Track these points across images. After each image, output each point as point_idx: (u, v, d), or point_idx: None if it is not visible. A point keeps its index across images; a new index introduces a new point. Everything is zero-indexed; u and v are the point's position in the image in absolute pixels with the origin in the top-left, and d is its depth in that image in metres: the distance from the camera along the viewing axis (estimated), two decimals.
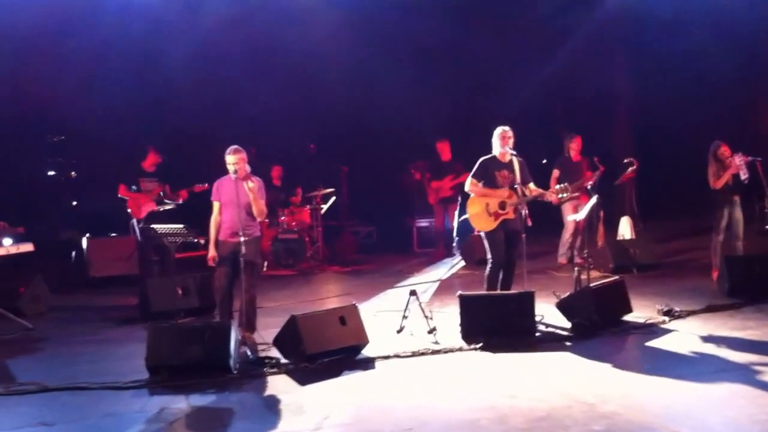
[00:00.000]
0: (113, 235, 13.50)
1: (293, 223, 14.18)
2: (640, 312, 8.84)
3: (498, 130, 9.12)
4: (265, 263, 13.12)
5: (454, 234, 14.76)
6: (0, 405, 6.71)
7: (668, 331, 8.26)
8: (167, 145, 12.50)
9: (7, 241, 9.86)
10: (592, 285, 8.62)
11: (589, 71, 16.81)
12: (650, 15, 15.75)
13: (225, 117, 15.47)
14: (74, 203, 15.65)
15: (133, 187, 11.91)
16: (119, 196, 11.91)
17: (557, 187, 9.26)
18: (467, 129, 13.15)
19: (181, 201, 11.70)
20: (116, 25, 14.27)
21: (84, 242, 13.27)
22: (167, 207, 11.71)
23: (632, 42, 16.85)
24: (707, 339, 7.87)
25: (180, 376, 7.04)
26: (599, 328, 8.18)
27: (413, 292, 8.62)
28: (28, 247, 10.09)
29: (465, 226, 13.72)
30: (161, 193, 11.80)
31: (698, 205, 11.95)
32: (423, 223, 15.88)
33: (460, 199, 14.22)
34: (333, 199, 15.06)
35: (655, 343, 7.86)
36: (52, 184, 15.92)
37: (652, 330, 8.29)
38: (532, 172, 9.27)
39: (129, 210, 11.85)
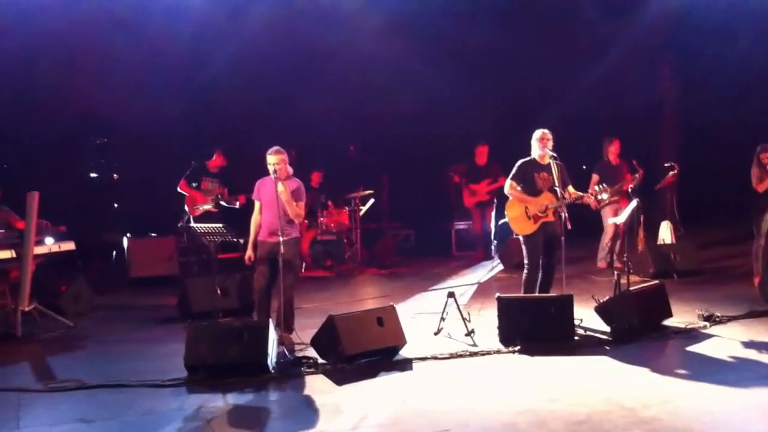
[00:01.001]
0: (153, 235, 13.63)
1: (332, 225, 14.22)
2: (681, 317, 8.74)
3: (537, 133, 9.08)
4: (304, 265, 13.17)
5: (493, 237, 14.69)
6: (41, 402, 6.80)
7: (709, 336, 8.15)
8: (211, 147, 12.63)
9: (49, 240, 9.98)
10: (632, 289, 8.54)
11: (634, 76, 16.69)
12: (696, 19, 15.57)
13: (268, 119, 15.54)
14: (116, 205, 15.81)
15: (194, 185, 12.14)
16: (179, 190, 12.12)
17: (596, 187, 9.18)
18: (510, 133, 13.06)
19: (238, 205, 11.86)
20: (162, 28, 14.41)
21: (125, 242, 13.42)
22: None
23: (678, 46, 16.68)
24: (749, 345, 7.76)
25: (218, 375, 7.07)
26: (639, 332, 8.09)
27: (451, 294, 8.60)
28: (69, 245, 10.20)
29: (504, 230, 13.68)
30: (219, 195, 12.00)
31: (741, 211, 11.77)
32: (462, 226, 15.83)
33: (496, 201, 14.18)
34: (372, 201, 15.07)
35: (695, 348, 7.76)
36: (95, 186, 16.09)
37: (693, 335, 8.18)
38: (571, 176, 9.22)
39: (186, 207, 12.05)
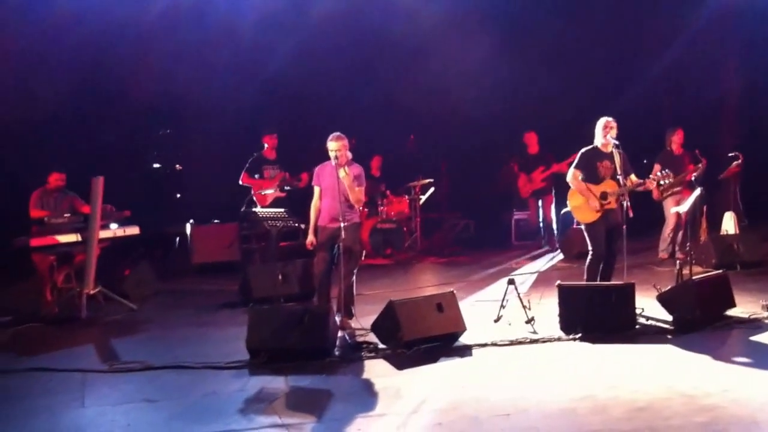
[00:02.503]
0: (216, 222, 13.83)
1: (392, 214, 14.27)
2: (744, 307, 8.56)
3: (602, 120, 9.02)
4: (363, 252, 13.24)
5: (554, 227, 14.58)
6: (106, 382, 6.97)
7: None
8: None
9: (114, 225, 10.18)
10: (695, 278, 8.43)
11: (698, 65, 16.38)
12: (763, 8, 15.23)
13: (329, 107, 15.63)
14: (178, 195, 16.03)
15: (256, 176, 12.36)
16: (241, 183, 12.33)
17: (658, 173, 9.09)
18: (572, 122, 12.93)
19: (302, 185, 12.02)
20: (224, 19, 14.58)
21: (188, 229, 13.63)
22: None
23: (742, 35, 16.32)
24: None
25: (279, 359, 7.16)
26: (701, 322, 7.95)
27: (511, 281, 8.57)
28: (134, 230, 10.40)
29: (565, 219, 13.59)
30: (282, 179, 12.19)
31: None
32: (521, 215, 15.74)
33: (554, 191, 14.10)
34: (432, 190, 15.08)
35: (759, 338, 7.60)
36: (158, 176, 16.33)
37: (757, 325, 8.00)
38: (633, 165, 9.14)
39: (254, 197, 12.24)
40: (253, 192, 12.38)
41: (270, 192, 12.24)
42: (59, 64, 13.75)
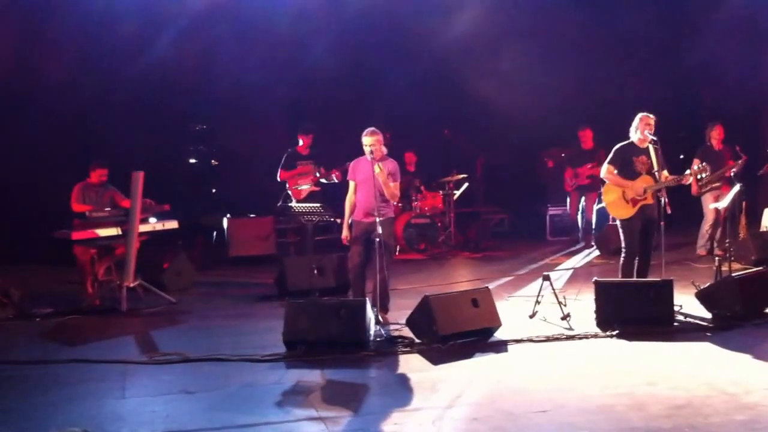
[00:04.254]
0: (252, 216, 13.92)
1: (426, 208, 14.27)
2: None
3: (640, 115, 8.96)
4: (398, 247, 13.24)
5: (593, 223, 14.48)
6: (145, 373, 7.03)
7: None
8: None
9: (153, 219, 10.29)
10: (734, 275, 8.34)
11: (739, 59, 16.18)
12: None
13: (365, 103, 15.67)
14: (213, 191, 16.17)
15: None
16: (279, 180, 12.43)
17: (695, 167, 9.01)
18: (607, 118, 12.82)
19: (336, 180, 12.09)
20: (260, 14, 14.65)
21: (225, 222, 13.74)
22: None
23: None
24: None
25: (316, 351, 7.20)
26: (741, 319, 7.88)
27: (546, 277, 8.55)
28: (172, 224, 10.48)
29: (601, 215, 13.50)
30: (317, 173, 12.27)
31: None
32: (556, 211, 15.68)
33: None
34: (466, 185, 15.06)
35: None
36: (195, 171, 16.49)
37: None
38: (668, 162, 9.05)
39: (290, 192, 12.33)
40: (288, 186, 12.45)
41: (305, 187, 12.31)
42: (98, 58, 13.93)
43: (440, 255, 13.97)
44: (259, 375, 6.83)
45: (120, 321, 9.26)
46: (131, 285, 9.75)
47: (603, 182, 9.31)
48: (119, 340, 8.40)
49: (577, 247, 14.25)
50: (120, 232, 9.82)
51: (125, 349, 7.95)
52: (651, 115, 8.94)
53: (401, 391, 6.31)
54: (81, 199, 10.48)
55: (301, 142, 12.56)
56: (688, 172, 9.10)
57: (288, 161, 12.47)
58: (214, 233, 14.39)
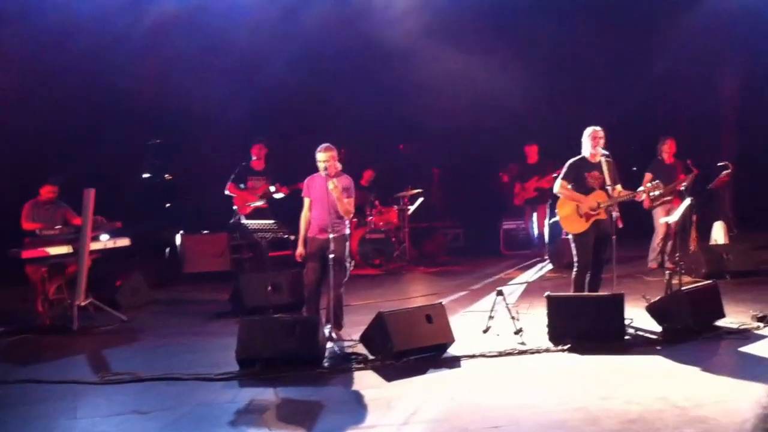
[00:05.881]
0: (206, 232, 13.82)
1: (381, 223, 14.30)
2: (734, 318, 8.62)
3: (588, 130, 9.02)
4: (353, 262, 13.23)
5: (545, 237, 14.61)
6: (97, 393, 6.95)
7: (763, 337, 8.01)
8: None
9: (104, 237, 10.18)
10: (684, 288, 8.45)
11: (693, 74, 16.44)
12: (758, 18, 15.28)
13: (319, 117, 15.67)
14: (167, 205, 16.02)
15: (241, 186, 12.49)
16: (227, 193, 12.44)
17: (649, 184, 9.12)
18: (562, 131, 12.95)
19: (281, 195, 12.17)
20: (217, 26, 14.57)
21: (178, 238, 13.63)
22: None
23: (738, 45, 16.35)
24: None
25: (270, 369, 7.16)
26: (691, 332, 7.99)
27: (500, 292, 8.61)
28: (124, 241, 10.39)
29: (554, 229, 13.62)
30: (266, 191, 12.28)
31: None
32: (510, 225, 15.78)
33: (550, 201, 14.12)
34: (421, 199, 15.12)
35: (749, 348, 7.64)
36: (148, 186, 16.32)
37: (746, 336, 8.05)
38: (622, 176, 9.15)
39: (235, 206, 12.30)
40: (234, 201, 12.42)
41: (255, 204, 12.31)
42: (51, 74, 13.73)
43: (396, 270, 14.00)
44: (213, 394, 6.78)
45: (72, 340, 9.13)
46: (83, 304, 9.65)
47: (553, 195, 9.38)
48: (71, 359, 8.29)
49: (531, 261, 14.33)
50: (71, 250, 9.71)
51: (77, 368, 7.83)
52: (599, 129, 9.00)
53: (356, 408, 6.31)
54: (31, 218, 10.37)
55: (254, 157, 12.53)
56: (641, 188, 9.21)
57: (239, 175, 12.45)
58: (167, 249, 14.24)
